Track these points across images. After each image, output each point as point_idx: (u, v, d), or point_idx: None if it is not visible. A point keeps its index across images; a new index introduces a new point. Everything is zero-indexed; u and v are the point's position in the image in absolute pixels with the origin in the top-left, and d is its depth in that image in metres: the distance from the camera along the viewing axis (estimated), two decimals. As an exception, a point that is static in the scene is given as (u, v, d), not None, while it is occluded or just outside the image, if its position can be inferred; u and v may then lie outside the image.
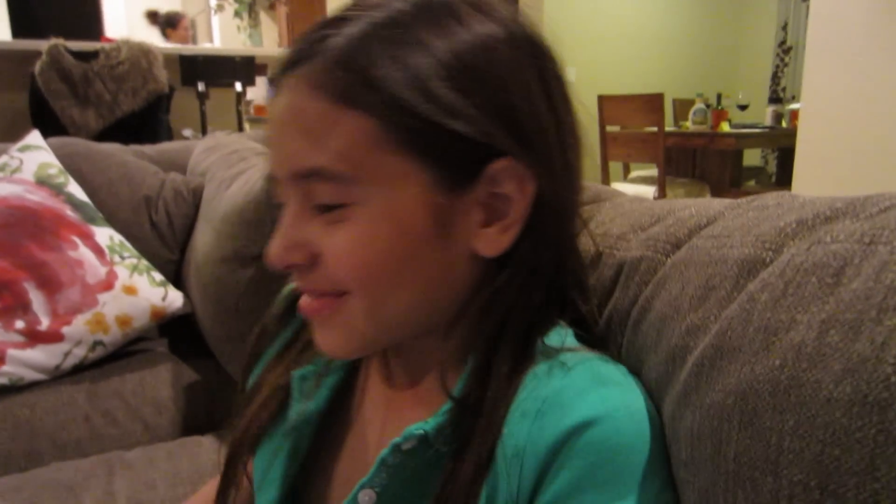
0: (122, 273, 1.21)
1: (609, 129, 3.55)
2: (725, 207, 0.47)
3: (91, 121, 2.67)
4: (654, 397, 0.41)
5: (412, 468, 0.42)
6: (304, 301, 0.43)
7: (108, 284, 1.19)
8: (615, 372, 0.41)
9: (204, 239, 1.24)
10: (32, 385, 1.09)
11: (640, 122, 3.39)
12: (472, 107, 0.38)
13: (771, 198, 0.45)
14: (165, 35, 4.32)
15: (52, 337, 1.12)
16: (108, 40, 2.90)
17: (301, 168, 0.39)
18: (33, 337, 1.10)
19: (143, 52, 2.75)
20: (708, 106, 3.73)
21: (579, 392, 0.38)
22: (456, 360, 0.44)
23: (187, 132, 3.17)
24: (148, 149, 1.64)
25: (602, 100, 3.52)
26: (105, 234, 1.25)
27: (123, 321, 1.18)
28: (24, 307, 1.12)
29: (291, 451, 0.49)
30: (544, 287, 0.43)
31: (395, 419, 0.47)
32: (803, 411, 0.31)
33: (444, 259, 0.41)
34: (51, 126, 2.70)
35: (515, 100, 0.40)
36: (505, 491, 0.38)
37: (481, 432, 0.39)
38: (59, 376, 1.11)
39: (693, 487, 0.37)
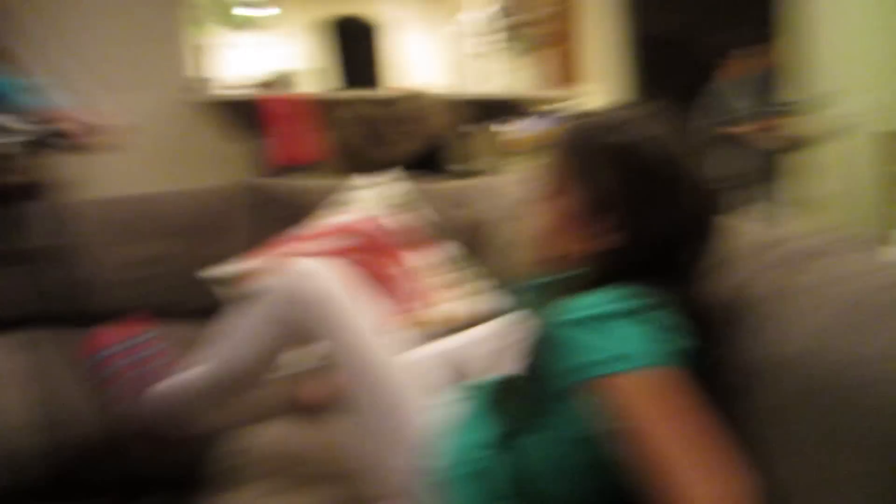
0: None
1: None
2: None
3: (385, 160, 3.24)
4: None
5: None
6: None
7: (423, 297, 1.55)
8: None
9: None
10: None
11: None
12: (614, 187, 0.78)
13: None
14: None
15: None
16: (396, 89, 3.49)
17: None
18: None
19: (426, 99, 3.27)
20: None
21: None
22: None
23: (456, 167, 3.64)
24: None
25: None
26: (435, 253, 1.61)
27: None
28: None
29: None
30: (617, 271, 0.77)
31: None
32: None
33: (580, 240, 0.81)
34: (357, 162, 3.33)
35: (633, 191, 0.77)
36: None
37: None
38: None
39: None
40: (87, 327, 1.23)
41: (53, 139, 0.86)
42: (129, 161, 3.73)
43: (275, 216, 1.94)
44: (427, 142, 3.25)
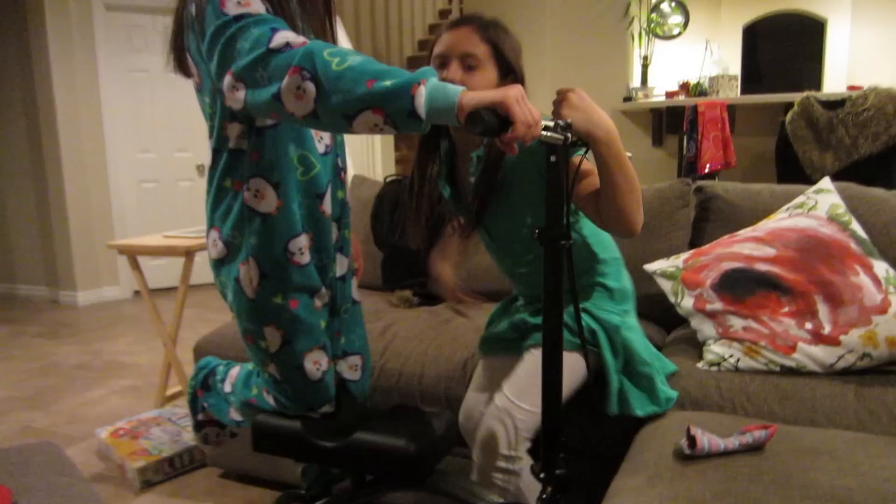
0: (895, 301, 1.41)
1: None
2: None
3: (828, 163, 2.94)
4: None
5: None
6: None
7: (882, 309, 1.41)
8: None
9: None
10: (811, 374, 1.41)
11: None
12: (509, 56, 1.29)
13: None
14: None
15: (831, 341, 1.42)
16: (855, 88, 3.11)
17: (466, 52, 1.25)
18: (817, 338, 1.43)
19: (889, 99, 2.85)
20: None
21: None
22: None
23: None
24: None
25: None
26: (882, 267, 1.47)
27: (892, 342, 1.38)
28: (812, 314, 1.45)
29: None
30: None
31: None
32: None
33: None
34: (789, 165, 3.11)
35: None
36: None
37: None
38: (831, 373, 1.40)
39: None
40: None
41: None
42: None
43: (717, 216, 1.97)
44: (886, 146, 2.84)
